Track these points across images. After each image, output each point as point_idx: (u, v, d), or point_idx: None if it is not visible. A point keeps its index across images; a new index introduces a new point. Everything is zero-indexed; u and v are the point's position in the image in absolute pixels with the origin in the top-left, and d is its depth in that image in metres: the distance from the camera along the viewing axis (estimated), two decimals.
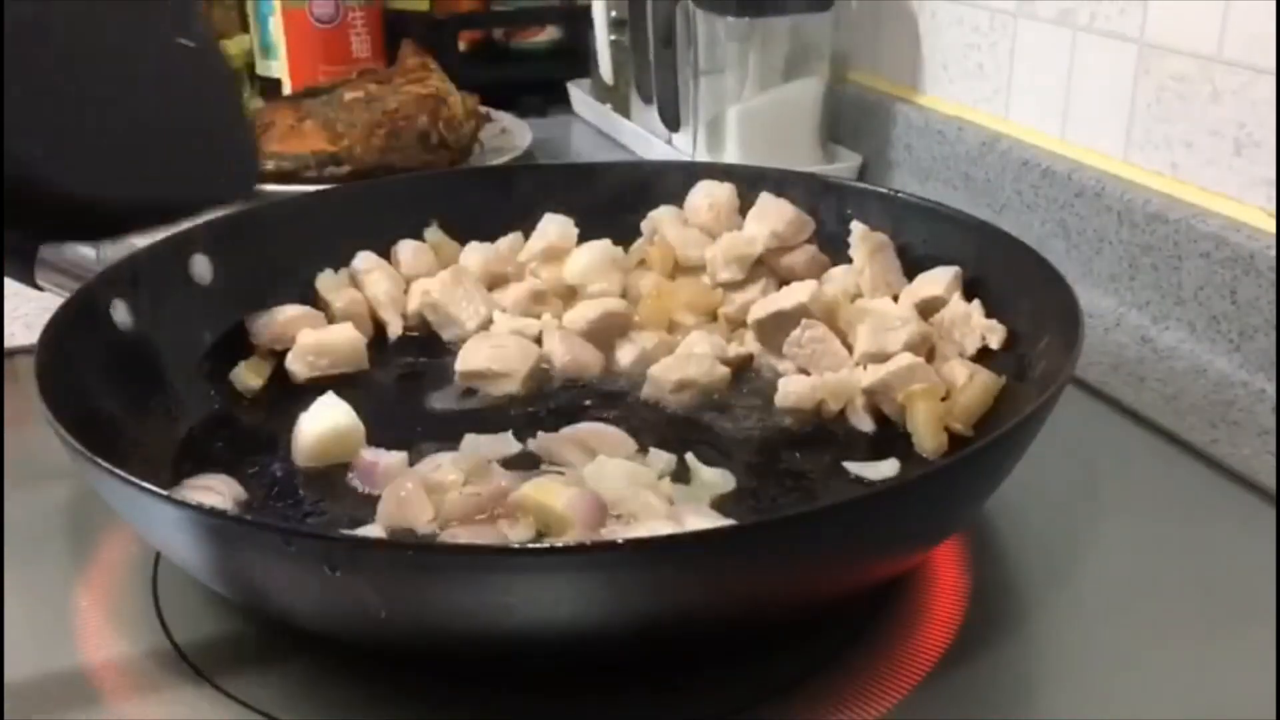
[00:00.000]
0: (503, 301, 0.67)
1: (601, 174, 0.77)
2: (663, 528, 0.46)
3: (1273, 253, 0.60)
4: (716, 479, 0.53)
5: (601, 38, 1.10)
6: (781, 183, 0.70)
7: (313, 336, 0.63)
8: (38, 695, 0.44)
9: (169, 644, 0.46)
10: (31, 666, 0.45)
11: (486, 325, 0.66)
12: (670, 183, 0.72)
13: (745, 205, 0.70)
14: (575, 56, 1.22)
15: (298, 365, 0.63)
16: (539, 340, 0.64)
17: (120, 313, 0.57)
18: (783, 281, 0.67)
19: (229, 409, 0.60)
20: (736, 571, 0.40)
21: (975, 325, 0.60)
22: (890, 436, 0.57)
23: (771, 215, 0.68)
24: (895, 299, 0.64)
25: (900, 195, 0.68)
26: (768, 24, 0.90)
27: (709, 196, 0.70)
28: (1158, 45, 0.68)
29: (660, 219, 0.70)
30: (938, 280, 0.63)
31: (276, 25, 1.14)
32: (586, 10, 1.12)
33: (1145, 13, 0.69)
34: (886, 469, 0.54)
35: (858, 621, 0.46)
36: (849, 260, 0.66)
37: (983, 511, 0.53)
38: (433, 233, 0.71)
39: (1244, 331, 0.62)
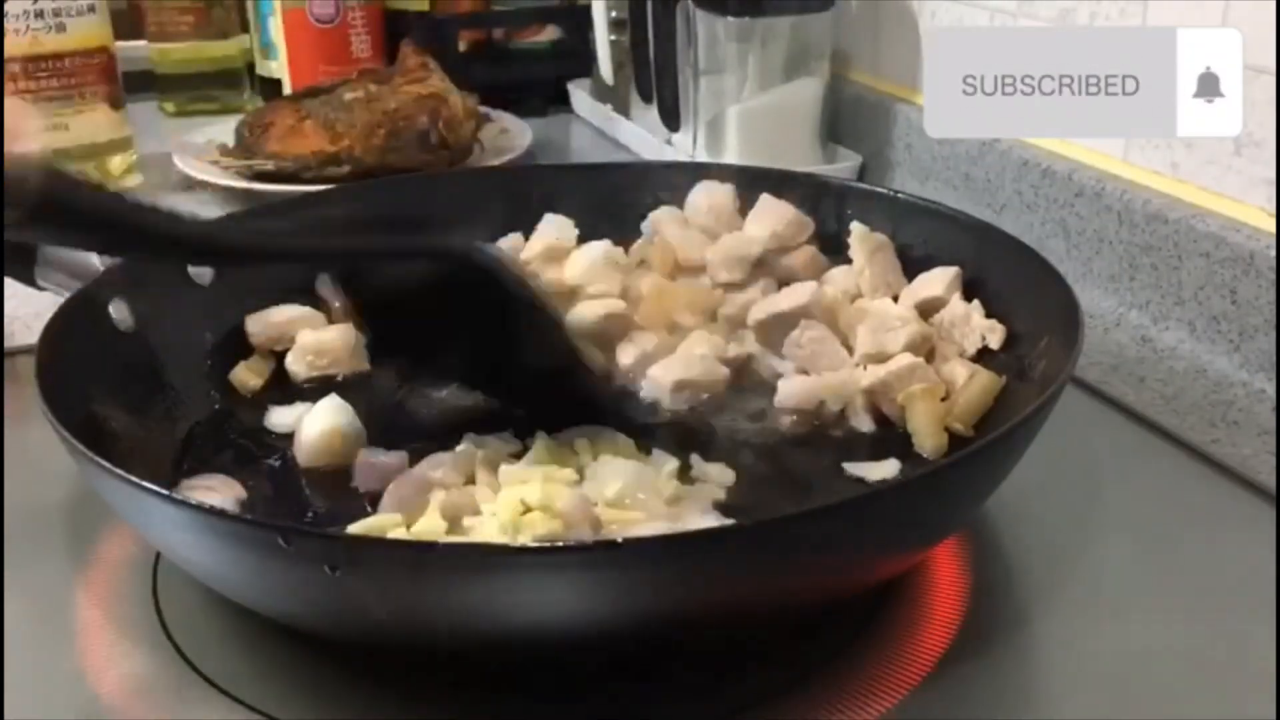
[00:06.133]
0: None
1: (602, 174, 0.77)
2: (665, 528, 0.46)
3: (1273, 253, 0.60)
4: (718, 477, 0.53)
5: (601, 38, 1.10)
6: (781, 183, 0.70)
7: (312, 336, 0.63)
8: (38, 695, 0.44)
9: (169, 644, 0.46)
10: (31, 666, 0.45)
11: None
12: (670, 183, 0.72)
13: (745, 206, 0.70)
14: (575, 56, 1.22)
15: (297, 365, 0.63)
16: None
17: (120, 312, 0.57)
18: (783, 282, 0.66)
19: (229, 409, 0.60)
20: (736, 571, 0.40)
21: (975, 325, 0.60)
22: (890, 437, 0.57)
23: (771, 216, 0.68)
24: (895, 299, 0.64)
25: (900, 195, 0.68)
26: (768, 24, 0.90)
27: (709, 197, 0.70)
28: None
29: (660, 220, 0.70)
30: (937, 280, 0.63)
31: (276, 25, 1.14)
32: (586, 10, 1.12)
33: (1145, 13, 0.69)
34: (886, 469, 0.54)
35: (858, 621, 0.46)
36: (848, 261, 0.66)
37: (983, 511, 0.53)
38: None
39: (1244, 331, 0.62)
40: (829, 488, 0.54)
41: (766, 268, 0.67)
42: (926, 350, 0.60)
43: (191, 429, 0.58)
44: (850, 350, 0.61)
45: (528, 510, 0.47)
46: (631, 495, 0.49)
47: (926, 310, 0.62)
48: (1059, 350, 0.53)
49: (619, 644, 0.42)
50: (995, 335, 0.60)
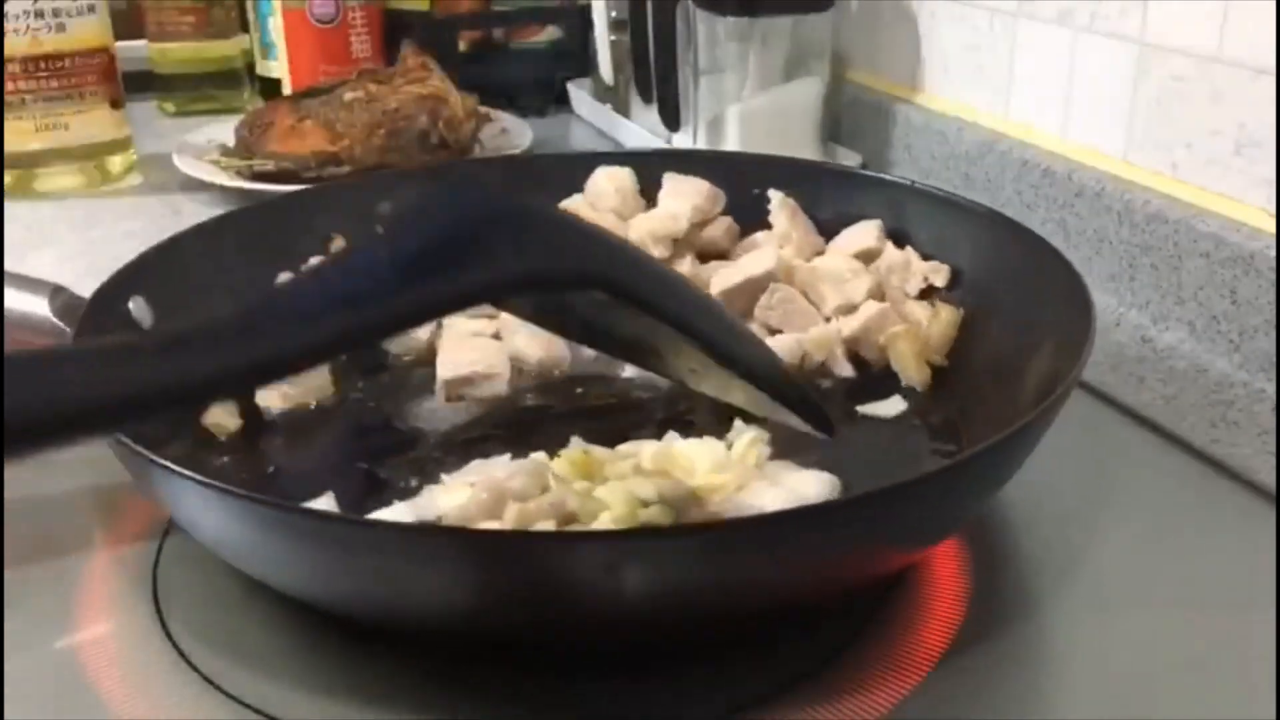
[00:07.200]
0: None
1: (524, 166, 0.80)
2: (768, 492, 0.48)
3: (1273, 253, 0.60)
4: (760, 436, 0.53)
5: (601, 38, 1.10)
6: (679, 161, 0.74)
7: None
8: (38, 695, 0.44)
9: (169, 644, 0.46)
10: (31, 666, 0.45)
11: (437, 332, 0.65)
12: (571, 172, 0.74)
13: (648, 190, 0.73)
14: (575, 56, 1.22)
15: (272, 399, 0.60)
16: (497, 338, 0.64)
17: (140, 310, 0.57)
18: (703, 254, 0.71)
19: (222, 455, 0.57)
20: (739, 565, 0.40)
21: (916, 269, 0.66)
22: (873, 376, 0.63)
23: (687, 191, 0.71)
24: (819, 255, 0.69)
25: (802, 161, 0.76)
26: (768, 24, 0.90)
27: (611, 181, 0.73)
28: (1158, 45, 0.68)
29: (573, 209, 0.72)
30: (865, 233, 0.68)
31: (276, 25, 1.14)
32: (586, 10, 1.12)
33: (1145, 13, 0.69)
34: (895, 406, 0.60)
35: (857, 621, 0.46)
36: (763, 227, 0.71)
37: (982, 511, 0.53)
38: None
39: (1244, 331, 0.62)
40: (856, 429, 0.58)
41: (685, 242, 0.70)
42: (879, 296, 0.65)
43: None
44: (813, 305, 0.66)
45: (645, 505, 0.46)
46: (719, 473, 0.49)
47: (863, 260, 0.67)
48: (1064, 343, 0.52)
49: (628, 636, 0.42)
50: (939, 275, 0.66)
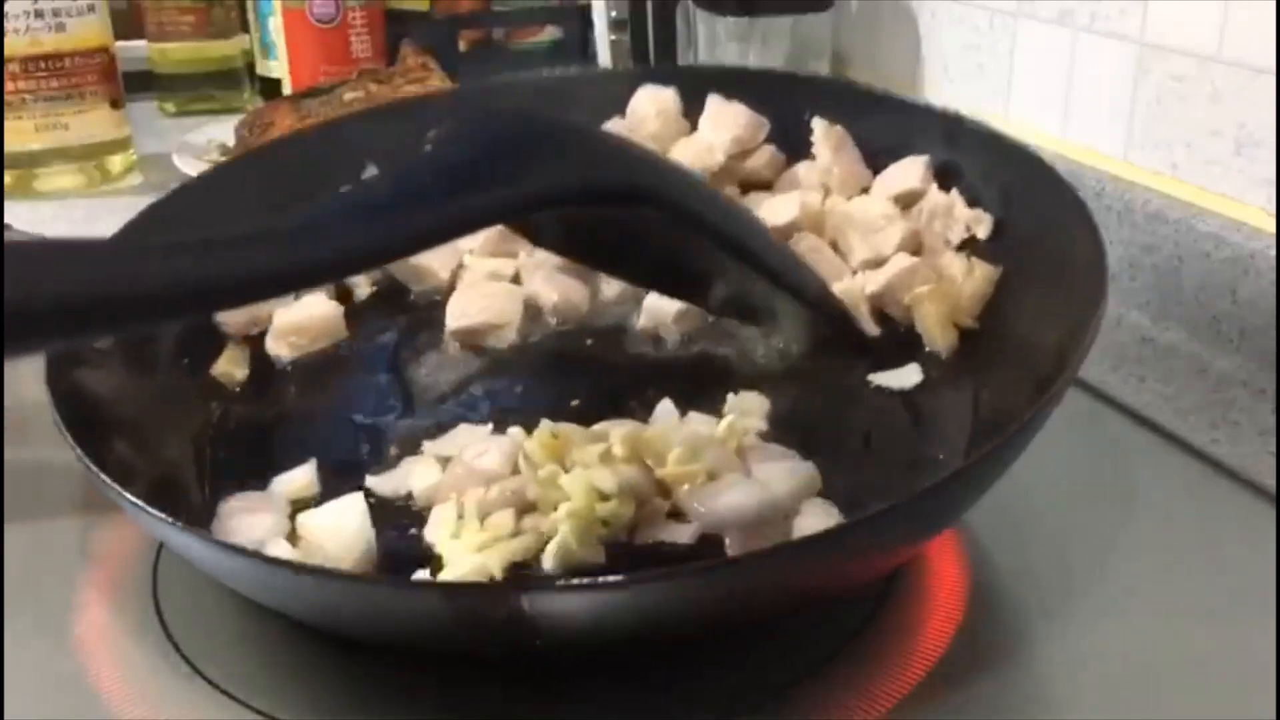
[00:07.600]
0: (470, 242, 0.64)
1: (538, 91, 0.72)
2: (735, 488, 0.46)
3: (1273, 253, 0.60)
4: (755, 407, 0.52)
5: (601, 38, 1.10)
6: (727, 82, 0.68)
7: (288, 316, 0.59)
8: (38, 695, 0.44)
9: (169, 644, 0.46)
10: (31, 666, 0.45)
11: (458, 271, 0.64)
12: (609, 95, 0.69)
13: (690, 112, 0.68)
14: (575, 56, 1.22)
15: (279, 348, 0.59)
16: (516, 280, 0.62)
17: None
18: (745, 185, 0.65)
19: (226, 408, 0.57)
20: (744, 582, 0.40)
21: (958, 216, 0.59)
22: (898, 336, 0.58)
23: (728, 120, 0.66)
24: (864, 191, 0.63)
25: (855, 85, 0.68)
26: (768, 24, 0.90)
27: (654, 103, 0.67)
28: (1158, 45, 0.68)
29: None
30: (910, 171, 0.61)
31: (276, 25, 1.14)
32: (586, 10, 1.12)
33: (1145, 13, 0.69)
34: (909, 376, 0.55)
35: (856, 624, 0.46)
36: (807, 157, 0.65)
37: (982, 512, 0.53)
38: None
39: (1244, 331, 0.62)
40: (863, 402, 0.54)
41: (726, 172, 0.65)
42: (915, 246, 0.60)
43: (195, 440, 0.55)
44: (840, 255, 0.61)
45: (605, 498, 0.45)
46: (694, 457, 0.47)
47: (904, 203, 0.61)
48: (1078, 313, 0.49)
49: (623, 646, 0.42)
50: (982, 225, 0.58)
